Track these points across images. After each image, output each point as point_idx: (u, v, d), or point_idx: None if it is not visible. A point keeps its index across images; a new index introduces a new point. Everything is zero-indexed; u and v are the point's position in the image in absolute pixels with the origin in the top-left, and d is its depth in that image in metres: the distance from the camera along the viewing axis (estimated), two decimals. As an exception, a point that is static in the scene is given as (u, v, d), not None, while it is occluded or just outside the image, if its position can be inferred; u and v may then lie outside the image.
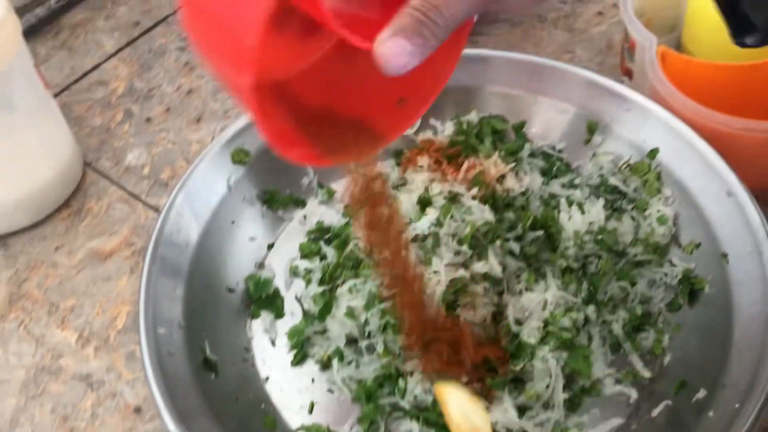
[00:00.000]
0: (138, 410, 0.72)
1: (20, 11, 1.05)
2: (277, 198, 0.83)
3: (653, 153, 0.78)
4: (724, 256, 0.70)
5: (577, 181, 0.81)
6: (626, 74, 0.92)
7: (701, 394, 0.64)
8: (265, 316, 0.77)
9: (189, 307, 0.72)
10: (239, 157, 0.81)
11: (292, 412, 0.70)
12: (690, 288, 0.72)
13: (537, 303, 0.69)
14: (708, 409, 0.62)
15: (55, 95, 1.02)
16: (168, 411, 0.61)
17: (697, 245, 0.73)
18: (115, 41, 1.10)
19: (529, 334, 0.67)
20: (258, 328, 0.76)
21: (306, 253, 0.81)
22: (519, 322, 0.68)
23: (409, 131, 0.88)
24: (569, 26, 1.03)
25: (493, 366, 0.67)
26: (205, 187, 0.78)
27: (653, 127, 0.78)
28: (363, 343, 0.71)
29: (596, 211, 0.77)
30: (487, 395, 0.67)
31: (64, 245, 0.86)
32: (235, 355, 0.73)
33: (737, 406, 0.59)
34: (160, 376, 0.64)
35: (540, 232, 0.75)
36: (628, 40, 0.88)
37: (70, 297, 0.81)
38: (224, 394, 0.69)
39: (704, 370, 0.66)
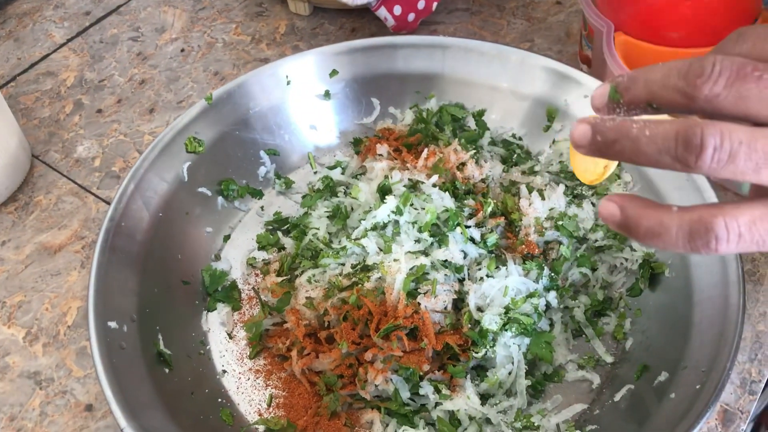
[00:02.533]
0: (90, 408, 0.70)
1: (-37, 0, 1.01)
2: (233, 188, 0.81)
3: (612, 138, 0.78)
4: (684, 239, 0.70)
5: (537, 168, 0.81)
6: (585, 62, 0.92)
7: (663, 376, 0.64)
8: (222, 309, 0.75)
9: (142, 300, 0.69)
10: (193, 146, 0.79)
11: (250, 406, 0.68)
12: (650, 272, 0.72)
13: (498, 290, 0.68)
14: (669, 391, 0.62)
15: (1, 86, 0.99)
16: (119, 407, 0.59)
17: (657, 230, 0.73)
18: (65, 31, 1.07)
19: (491, 321, 0.66)
20: (214, 320, 0.74)
21: (263, 245, 0.79)
22: (480, 309, 0.68)
23: (368, 120, 0.87)
24: (528, 15, 1.03)
25: (454, 353, 0.66)
26: (158, 177, 0.76)
27: (612, 112, 0.78)
28: (322, 334, 0.69)
29: (556, 197, 0.76)
30: (448, 383, 0.66)
31: (11, 240, 0.83)
32: (190, 348, 0.71)
33: (698, 387, 0.59)
34: (110, 371, 0.61)
35: (501, 219, 0.75)
36: (586, 27, 0.88)
37: (17, 293, 0.78)
38: (179, 389, 0.67)
39: (665, 353, 0.65)
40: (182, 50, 1.02)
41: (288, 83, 0.84)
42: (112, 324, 0.65)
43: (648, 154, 0.38)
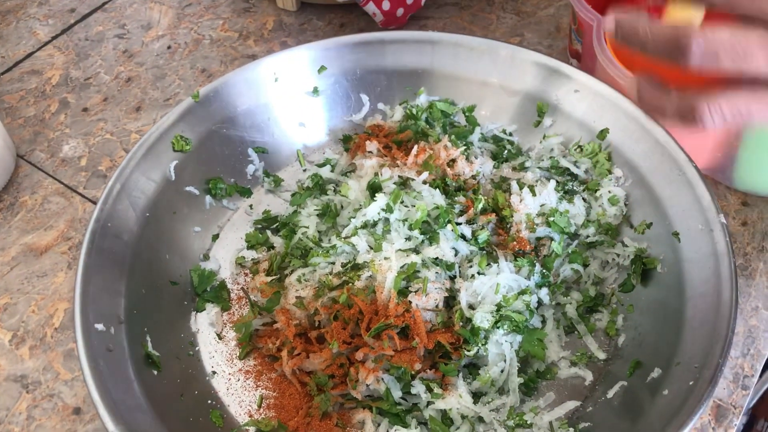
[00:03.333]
0: (77, 411, 0.69)
1: (-55, -3, 1.00)
2: (221, 187, 0.80)
3: (603, 133, 0.77)
4: (676, 234, 0.70)
5: (527, 164, 0.80)
6: (574, 56, 0.91)
7: (656, 373, 0.63)
8: (211, 309, 0.74)
9: (129, 301, 0.69)
10: (180, 144, 0.78)
11: (240, 407, 0.67)
12: (642, 268, 0.71)
13: (490, 287, 0.67)
14: (662, 387, 0.61)
15: (-15, 85, 0.98)
16: (107, 410, 0.58)
17: (649, 225, 0.73)
18: (50, 29, 1.05)
19: (482, 319, 0.65)
20: (203, 321, 0.73)
21: (252, 244, 0.78)
22: (472, 307, 0.67)
23: (357, 116, 0.86)
24: (517, 9, 1.02)
25: (446, 352, 0.66)
26: (144, 176, 0.75)
27: (602, 106, 0.78)
28: (313, 334, 0.68)
29: (547, 193, 0.76)
30: (440, 382, 0.65)
31: (-4, 241, 0.82)
32: (179, 350, 0.70)
33: (691, 383, 0.59)
34: (98, 373, 0.60)
35: (491, 216, 0.74)
36: (575, 21, 0.87)
37: (2, 295, 0.77)
38: (168, 391, 0.66)
39: (658, 349, 0.65)
40: (169, 47, 1.01)
41: (276, 80, 0.83)
42: (99, 326, 0.64)
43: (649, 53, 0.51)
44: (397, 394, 0.64)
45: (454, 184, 0.77)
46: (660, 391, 0.61)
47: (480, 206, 0.74)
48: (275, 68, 0.83)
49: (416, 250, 0.70)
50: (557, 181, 0.78)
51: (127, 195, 0.73)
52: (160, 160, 0.76)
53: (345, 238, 0.71)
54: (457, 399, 0.64)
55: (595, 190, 0.77)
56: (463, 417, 0.64)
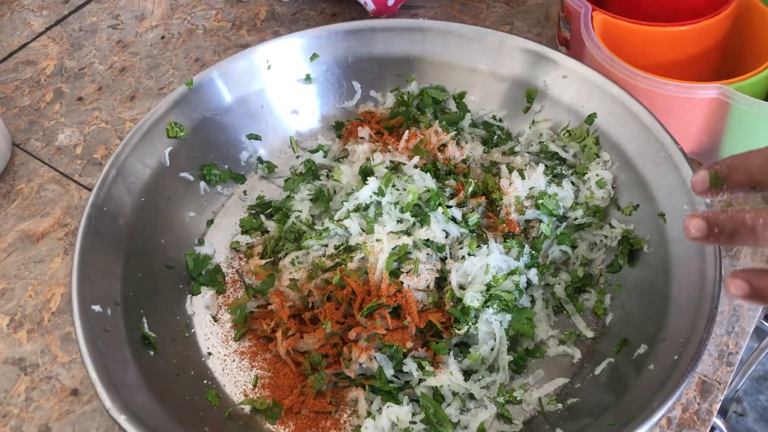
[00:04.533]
0: (75, 392, 0.70)
1: (-60, -11, 1.00)
2: (215, 173, 0.81)
3: (591, 118, 0.79)
4: (662, 215, 0.71)
5: (517, 149, 0.81)
6: (563, 44, 0.93)
7: (642, 349, 0.65)
8: (206, 292, 0.75)
9: (126, 284, 0.70)
10: (174, 131, 0.79)
11: (236, 387, 0.68)
12: (629, 248, 0.73)
13: (480, 268, 0.69)
14: (648, 363, 0.63)
15: (-20, 75, 0.98)
16: (104, 388, 0.59)
17: (636, 206, 0.74)
18: (44, 20, 1.06)
19: (473, 298, 0.67)
20: (199, 304, 0.74)
21: (247, 229, 0.80)
22: (462, 287, 0.68)
23: (349, 103, 0.88)
24: (507, -1, 1.04)
25: (437, 331, 0.67)
26: (139, 162, 0.76)
27: (590, 92, 0.79)
28: (306, 315, 0.69)
29: (536, 176, 0.77)
30: (432, 360, 0.67)
31: (-7, 228, 0.83)
32: (175, 331, 0.71)
33: (675, 357, 0.60)
34: (95, 353, 0.62)
35: (481, 199, 0.75)
36: (564, 9, 0.89)
37: (0, 280, 0.78)
38: (165, 371, 0.67)
39: (644, 327, 0.67)
40: (162, 37, 1.02)
41: (269, 68, 0.84)
42: (96, 308, 0.65)
43: (766, 239, 0.42)
44: (389, 372, 0.66)
45: (444, 168, 0.78)
46: (646, 367, 0.63)
47: (470, 189, 0.75)
48: (268, 56, 0.84)
49: (408, 233, 0.71)
50: (546, 165, 0.79)
51: (123, 180, 0.74)
52: (154, 147, 0.77)
53: (337, 221, 0.72)
54: (448, 376, 0.65)
55: (584, 174, 0.78)
56: (454, 394, 0.66)
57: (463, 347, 0.69)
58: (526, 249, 0.72)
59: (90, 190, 0.85)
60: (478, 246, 0.71)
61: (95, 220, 0.70)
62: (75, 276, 0.66)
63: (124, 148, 0.75)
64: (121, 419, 0.58)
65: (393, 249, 0.69)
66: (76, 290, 0.65)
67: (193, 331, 0.72)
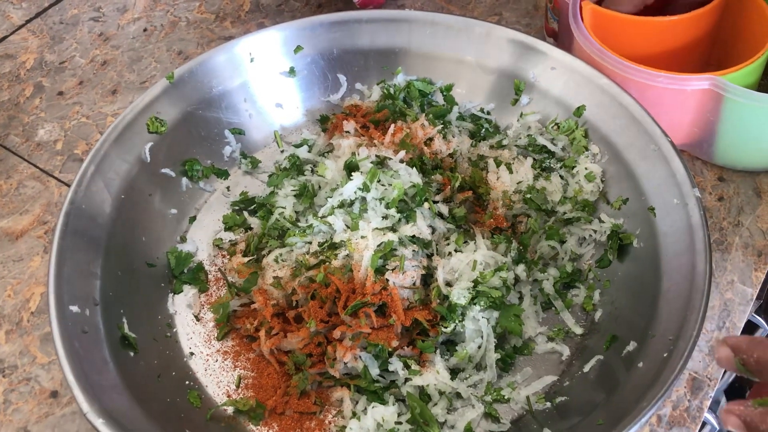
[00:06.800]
0: (54, 394, 0.69)
1: None
2: (198, 169, 0.79)
3: (580, 110, 0.77)
4: (651, 209, 0.70)
5: (505, 142, 0.80)
6: (551, 35, 0.91)
7: (631, 346, 0.63)
8: (188, 291, 0.73)
9: (105, 283, 0.68)
10: (155, 126, 0.77)
11: (219, 388, 0.67)
12: (619, 243, 0.72)
13: (467, 264, 0.67)
14: (638, 360, 0.62)
15: (-42, 70, 0.96)
16: (81, 390, 0.58)
17: (625, 200, 0.73)
18: (23, 12, 1.04)
19: (459, 295, 0.65)
20: (181, 303, 0.73)
21: (230, 225, 0.78)
22: (449, 284, 0.67)
23: (335, 97, 0.86)
24: (495, -11, 1.02)
25: (423, 329, 0.66)
26: (119, 158, 0.74)
27: (579, 83, 0.78)
28: (290, 314, 0.68)
29: (524, 170, 0.76)
30: (418, 359, 0.66)
31: (-29, 226, 0.81)
32: (156, 331, 0.70)
33: (665, 355, 0.59)
34: (72, 354, 0.60)
35: (468, 194, 0.74)
36: (551, 0, 0.87)
37: (-22, 280, 0.77)
38: (145, 372, 0.65)
39: (634, 323, 0.65)
40: (145, 30, 1.00)
41: (252, 60, 0.82)
42: (74, 308, 0.64)
43: None
44: (374, 371, 0.64)
45: (431, 162, 0.77)
46: (635, 364, 0.61)
47: (457, 184, 0.74)
48: (251, 48, 0.82)
49: (393, 229, 0.70)
50: (534, 159, 0.78)
51: (102, 177, 0.72)
52: (134, 142, 0.76)
53: (321, 217, 0.71)
54: (435, 375, 0.64)
55: (572, 167, 0.77)
56: (441, 393, 0.64)
57: (449, 345, 0.67)
58: (514, 244, 0.71)
59: (70, 186, 0.83)
60: (465, 242, 0.70)
61: (73, 218, 0.68)
62: (52, 276, 0.64)
63: (103, 144, 0.73)
64: (99, 423, 0.56)
65: (378, 246, 0.67)
66: (53, 290, 0.63)
67: (174, 330, 0.71)
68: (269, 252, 0.73)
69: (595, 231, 0.73)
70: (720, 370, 0.67)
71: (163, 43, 0.98)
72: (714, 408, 1.00)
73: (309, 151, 0.82)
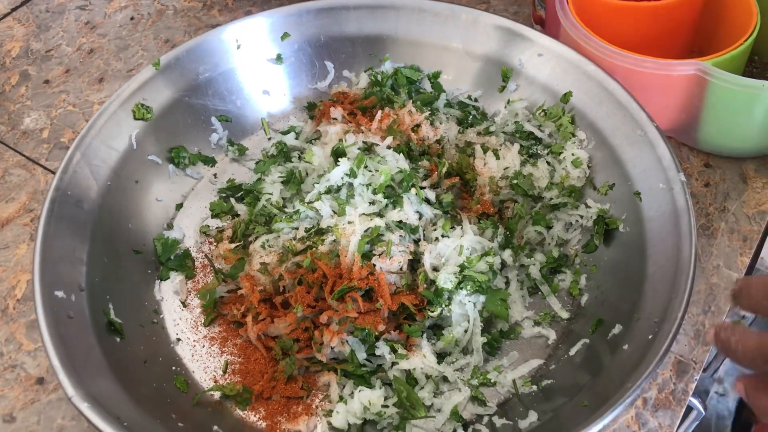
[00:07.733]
0: (41, 381, 0.68)
1: None
2: (184, 156, 0.79)
3: (566, 96, 0.78)
4: (637, 194, 0.70)
5: (492, 129, 0.80)
6: (538, 23, 0.91)
7: (617, 329, 0.64)
8: (175, 277, 0.73)
9: (91, 269, 0.68)
10: (141, 113, 0.77)
11: (205, 373, 0.67)
12: (605, 228, 0.72)
13: (453, 249, 0.67)
14: (623, 343, 0.62)
15: (-57, 58, 0.96)
16: (67, 375, 0.57)
17: (612, 186, 0.73)
18: (9, 0, 1.03)
19: (446, 280, 0.65)
20: (167, 289, 0.73)
21: (217, 212, 0.78)
22: (436, 269, 0.67)
23: (322, 84, 0.86)
24: (483, -23, 1.02)
25: (410, 313, 0.66)
26: (105, 145, 0.74)
27: (565, 70, 0.78)
28: (277, 299, 0.68)
29: (511, 156, 0.76)
30: (405, 343, 0.66)
31: (-44, 214, 0.80)
32: (143, 317, 0.70)
33: (650, 337, 0.59)
34: (58, 340, 0.60)
35: (456, 180, 0.74)
36: (540, -14, 0.87)
37: (-37, 268, 0.76)
38: (131, 358, 0.65)
39: (620, 307, 0.66)
40: (132, 18, 1.00)
41: (238, 47, 0.82)
42: (59, 293, 0.63)
43: (742, 363, 0.45)
44: (361, 355, 0.64)
45: (418, 148, 0.77)
46: (620, 347, 0.62)
47: (444, 170, 0.74)
48: (237, 35, 0.82)
49: (380, 214, 0.70)
50: (521, 145, 0.78)
51: (88, 163, 0.72)
52: (121, 129, 0.75)
53: (308, 203, 0.71)
54: (422, 359, 0.64)
55: (559, 153, 0.77)
56: (428, 377, 0.64)
57: (436, 329, 0.67)
58: (501, 230, 0.71)
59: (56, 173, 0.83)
60: (452, 227, 0.70)
61: (59, 204, 0.68)
62: (37, 261, 0.64)
63: (89, 131, 0.73)
64: (84, 407, 0.56)
65: (365, 231, 0.67)
66: (38, 276, 0.63)
67: (161, 316, 0.71)
68: (256, 238, 0.73)
69: (581, 216, 0.74)
70: (705, 353, 0.68)
71: (150, 31, 0.98)
72: (702, 397, 1.01)
73: (296, 138, 0.82)
